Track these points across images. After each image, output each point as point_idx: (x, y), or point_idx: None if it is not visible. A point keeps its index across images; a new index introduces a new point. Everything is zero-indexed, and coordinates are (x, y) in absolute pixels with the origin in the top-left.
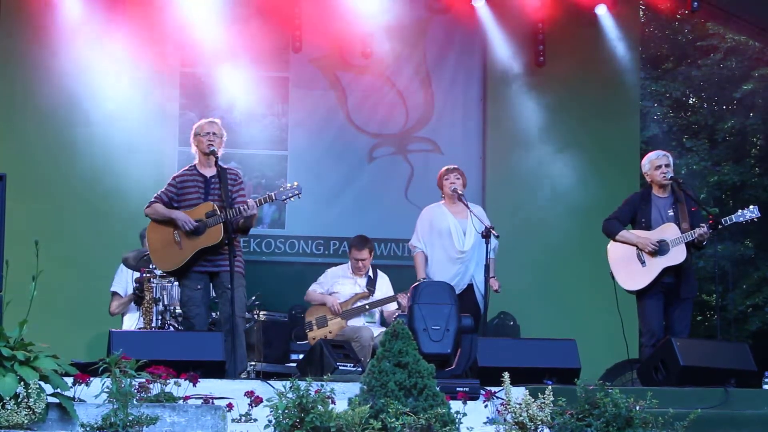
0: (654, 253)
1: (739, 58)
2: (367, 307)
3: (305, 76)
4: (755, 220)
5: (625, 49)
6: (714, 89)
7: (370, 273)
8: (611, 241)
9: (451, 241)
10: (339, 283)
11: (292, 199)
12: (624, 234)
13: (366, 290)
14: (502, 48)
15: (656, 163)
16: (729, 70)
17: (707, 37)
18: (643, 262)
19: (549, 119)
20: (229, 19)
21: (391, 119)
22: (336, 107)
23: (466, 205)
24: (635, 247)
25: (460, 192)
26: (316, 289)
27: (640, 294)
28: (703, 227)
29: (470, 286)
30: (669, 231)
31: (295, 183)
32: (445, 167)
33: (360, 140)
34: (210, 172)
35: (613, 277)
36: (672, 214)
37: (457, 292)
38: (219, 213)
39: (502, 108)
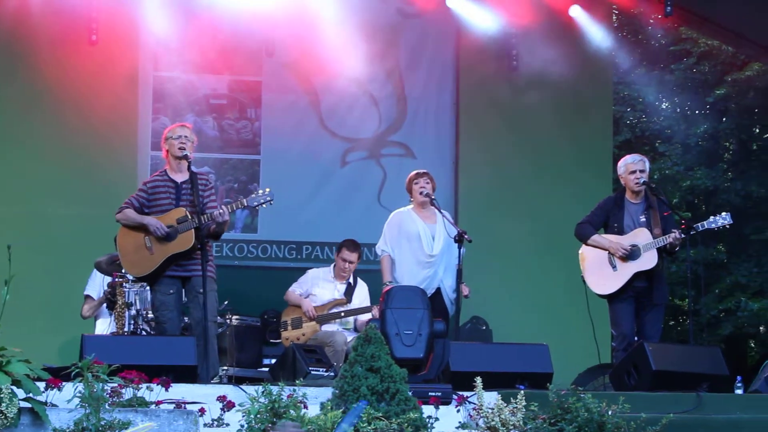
0: (625, 258)
1: (712, 63)
2: (342, 314)
3: (278, 80)
4: (727, 227)
5: (597, 54)
6: (687, 94)
7: (350, 280)
8: (583, 245)
9: (420, 245)
10: (318, 286)
11: (264, 205)
12: (596, 238)
13: (344, 297)
14: (474, 53)
15: (631, 168)
16: (702, 74)
17: (680, 41)
18: (614, 267)
19: (521, 123)
20: (202, 24)
21: (364, 123)
22: (309, 111)
23: (438, 209)
24: (607, 252)
25: (432, 196)
26: (295, 290)
27: (611, 298)
28: (674, 233)
29: (438, 290)
30: (641, 236)
31: (267, 189)
32: (415, 171)
33: (333, 144)
34: (181, 177)
35: (584, 282)
36: (644, 219)
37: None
38: (191, 219)
39: (474, 112)
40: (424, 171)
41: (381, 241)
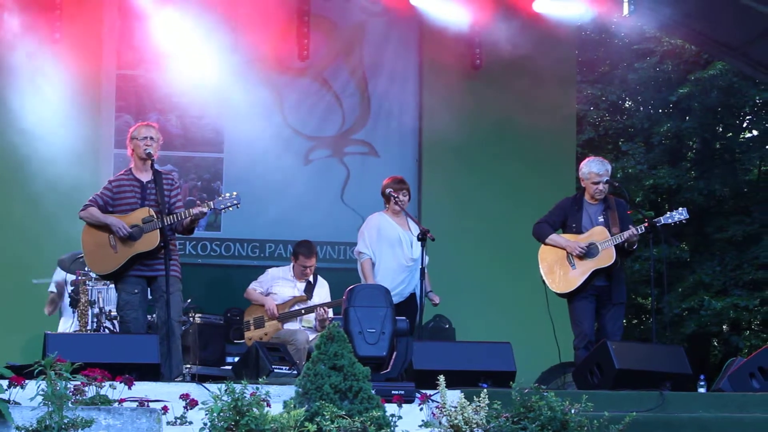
0: (583, 257)
1: (675, 62)
2: (303, 311)
3: (241, 78)
4: (683, 221)
5: (561, 52)
6: (650, 92)
7: (310, 278)
8: (542, 245)
9: (401, 249)
10: (278, 285)
11: (230, 208)
12: (553, 237)
13: (304, 294)
14: (438, 51)
15: (595, 179)
16: (665, 73)
17: (643, 40)
18: (573, 266)
19: (485, 122)
20: (165, 21)
21: (327, 122)
22: (272, 109)
23: (406, 213)
24: (565, 251)
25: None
26: (256, 288)
27: (571, 297)
28: (631, 228)
29: (412, 295)
30: (598, 234)
31: (234, 193)
32: (394, 179)
33: (296, 143)
34: (146, 176)
35: (544, 281)
36: (602, 220)
37: (402, 299)
38: (156, 219)
39: (438, 111)
40: (402, 180)
41: (361, 244)
